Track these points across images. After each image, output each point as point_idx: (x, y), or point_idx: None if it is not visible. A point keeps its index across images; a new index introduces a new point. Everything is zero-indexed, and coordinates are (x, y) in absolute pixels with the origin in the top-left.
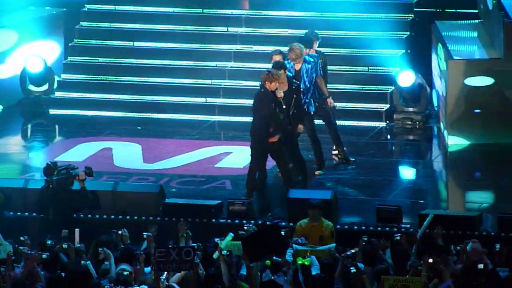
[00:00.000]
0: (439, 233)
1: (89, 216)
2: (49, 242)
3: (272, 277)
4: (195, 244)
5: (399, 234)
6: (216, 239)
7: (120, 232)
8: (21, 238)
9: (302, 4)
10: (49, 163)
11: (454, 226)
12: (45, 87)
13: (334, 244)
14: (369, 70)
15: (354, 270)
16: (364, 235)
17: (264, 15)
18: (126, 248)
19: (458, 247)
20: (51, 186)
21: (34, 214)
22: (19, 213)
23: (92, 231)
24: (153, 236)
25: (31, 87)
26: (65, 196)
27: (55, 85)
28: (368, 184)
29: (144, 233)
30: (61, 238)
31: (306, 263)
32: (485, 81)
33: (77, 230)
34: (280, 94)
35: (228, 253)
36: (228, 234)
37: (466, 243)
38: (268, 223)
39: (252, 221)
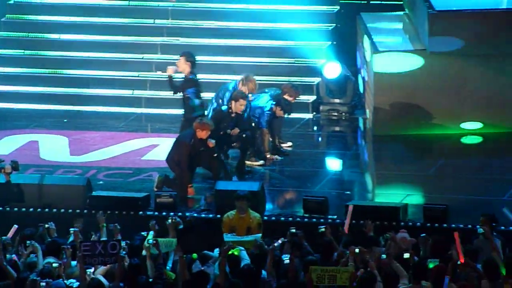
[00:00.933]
0: (369, 226)
1: (15, 209)
2: None
3: (202, 268)
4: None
5: (324, 226)
6: (142, 232)
7: (46, 225)
8: None
9: None
10: None
11: (380, 217)
12: None
13: (260, 234)
14: (295, 62)
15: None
16: (292, 227)
17: (191, 7)
18: (52, 241)
19: (387, 237)
20: None
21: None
22: None
23: (18, 225)
24: (79, 230)
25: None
26: None
27: None
28: (295, 175)
29: (70, 229)
30: None
31: (235, 253)
32: (411, 72)
33: (14, 227)
34: (212, 143)
35: (154, 241)
36: (149, 233)
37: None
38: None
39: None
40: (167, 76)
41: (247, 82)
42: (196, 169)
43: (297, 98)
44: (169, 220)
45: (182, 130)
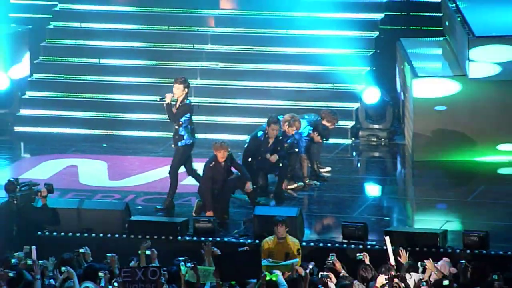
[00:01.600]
0: (403, 256)
1: (54, 233)
2: (13, 260)
3: None
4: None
5: (362, 254)
6: (180, 258)
7: (82, 250)
8: None
9: (267, 21)
10: (11, 179)
11: (419, 243)
12: (9, 104)
13: (297, 260)
14: (335, 87)
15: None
16: (332, 253)
17: (230, 32)
18: (89, 266)
19: (424, 264)
20: (15, 202)
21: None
22: None
23: (56, 249)
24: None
25: None
26: (28, 213)
27: (20, 103)
28: (333, 201)
29: (107, 254)
30: (25, 255)
31: (273, 278)
32: (450, 97)
33: (33, 248)
34: (275, 158)
35: (192, 265)
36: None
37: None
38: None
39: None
40: (165, 104)
41: (294, 122)
42: (230, 195)
43: (335, 124)
44: (204, 248)
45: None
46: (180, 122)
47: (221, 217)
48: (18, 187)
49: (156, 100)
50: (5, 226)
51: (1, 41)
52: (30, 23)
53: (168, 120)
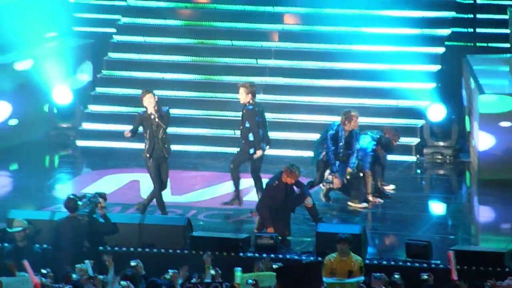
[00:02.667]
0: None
1: (116, 248)
2: (74, 275)
3: None
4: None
5: (427, 274)
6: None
7: (134, 263)
8: (43, 270)
9: (331, 36)
10: (71, 196)
11: (484, 263)
12: (72, 118)
13: (362, 278)
14: (399, 104)
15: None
16: (397, 272)
17: (294, 47)
18: (151, 281)
19: (489, 283)
20: (81, 218)
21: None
22: (45, 245)
23: (118, 264)
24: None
25: (59, 119)
26: (90, 228)
27: (83, 117)
28: (397, 219)
29: (169, 270)
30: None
31: None
32: None
33: (88, 262)
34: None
35: (254, 282)
36: (235, 270)
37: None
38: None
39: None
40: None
41: (351, 119)
42: (291, 212)
43: (397, 141)
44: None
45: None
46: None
47: (283, 233)
48: (80, 203)
49: (144, 115)
50: (68, 242)
51: (65, 54)
52: (94, 37)
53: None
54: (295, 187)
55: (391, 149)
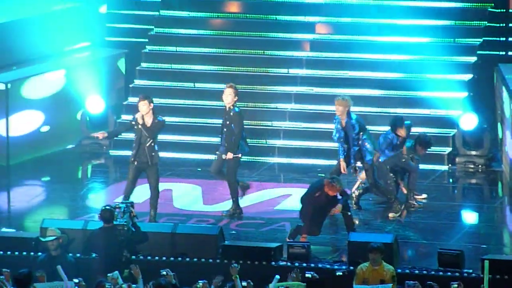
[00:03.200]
0: None
1: (149, 257)
2: (108, 285)
3: None
4: None
5: (457, 283)
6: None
7: (164, 272)
8: (75, 280)
9: (362, 46)
10: (107, 207)
11: None
12: (105, 128)
13: (390, 285)
14: (431, 113)
15: None
16: (430, 281)
17: (325, 57)
18: None
19: None
20: (125, 228)
21: (94, 255)
22: (78, 254)
23: (151, 273)
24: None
25: (91, 128)
26: (130, 237)
27: (116, 126)
28: (429, 228)
29: (199, 281)
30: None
31: None
32: None
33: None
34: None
35: None
36: (274, 277)
37: None
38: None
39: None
40: (140, 125)
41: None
42: (323, 222)
43: (427, 150)
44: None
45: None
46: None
47: (312, 232)
48: (116, 213)
49: (132, 122)
50: (103, 251)
51: (97, 64)
52: (126, 47)
53: (263, 145)
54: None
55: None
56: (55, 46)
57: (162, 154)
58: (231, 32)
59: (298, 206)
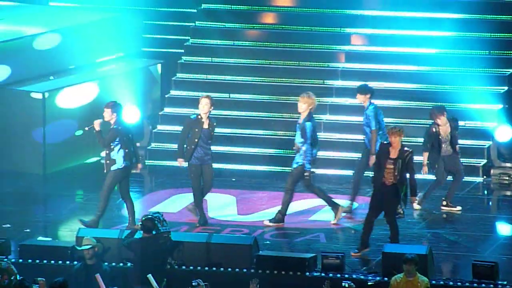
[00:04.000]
0: None
1: (183, 267)
2: None
3: None
4: None
5: None
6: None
7: (195, 283)
8: None
9: (399, 58)
10: (150, 216)
11: None
12: (141, 138)
13: None
14: (466, 125)
15: None
16: None
17: (360, 68)
18: None
19: None
20: (170, 236)
21: (129, 264)
22: (113, 263)
23: (184, 283)
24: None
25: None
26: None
27: (152, 136)
28: (464, 240)
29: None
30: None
31: None
32: None
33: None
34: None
35: None
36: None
37: None
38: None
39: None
40: (95, 131)
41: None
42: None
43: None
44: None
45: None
46: (112, 146)
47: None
48: (157, 223)
49: (85, 129)
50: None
51: (133, 75)
52: (162, 57)
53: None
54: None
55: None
56: (91, 56)
57: None
58: (266, 43)
59: (332, 217)
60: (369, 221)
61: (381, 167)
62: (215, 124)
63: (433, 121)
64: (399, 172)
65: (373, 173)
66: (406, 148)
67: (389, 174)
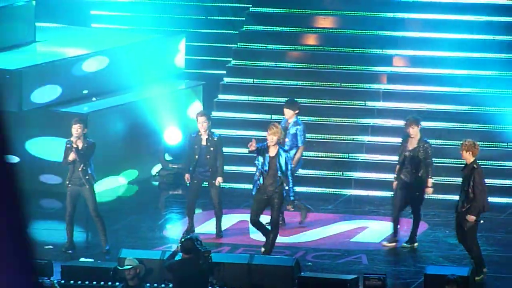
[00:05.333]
0: None
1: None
2: None
3: None
4: None
5: None
6: None
7: None
8: None
9: (439, 79)
10: (189, 237)
11: None
12: (183, 159)
13: None
14: (508, 146)
15: None
16: None
17: (402, 90)
18: None
19: None
20: (210, 256)
21: (170, 285)
22: (155, 284)
23: None
24: None
25: (169, 159)
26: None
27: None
28: (505, 261)
29: None
30: None
31: None
32: None
33: None
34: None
35: None
36: None
37: None
38: None
39: None
40: (74, 149)
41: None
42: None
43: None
44: None
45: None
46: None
47: None
48: (197, 243)
49: (67, 145)
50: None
51: (176, 96)
52: (204, 79)
53: (339, 177)
54: None
55: None
56: (134, 78)
57: (238, 185)
58: (308, 64)
59: (374, 239)
60: None
61: None
62: (215, 139)
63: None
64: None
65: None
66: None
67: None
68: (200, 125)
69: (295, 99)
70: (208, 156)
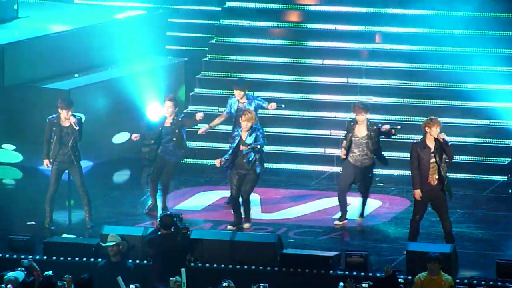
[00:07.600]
0: None
1: (207, 265)
2: None
3: None
4: None
5: None
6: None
7: (225, 283)
8: (132, 286)
9: (422, 56)
10: (168, 213)
11: None
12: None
13: None
14: (491, 123)
15: None
16: None
17: (384, 67)
18: None
19: None
20: (188, 233)
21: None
22: (138, 261)
23: (210, 281)
24: None
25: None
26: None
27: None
28: (488, 238)
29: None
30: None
31: None
32: None
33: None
34: None
35: None
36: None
37: None
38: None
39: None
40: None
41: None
42: None
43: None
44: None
45: None
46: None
47: None
48: (176, 219)
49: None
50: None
51: (158, 73)
52: (186, 55)
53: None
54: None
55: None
56: (116, 54)
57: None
58: (290, 41)
59: (355, 215)
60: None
61: None
62: (180, 119)
63: None
64: None
65: None
66: None
67: None
68: (166, 109)
69: (244, 79)
70: (170, 136)
